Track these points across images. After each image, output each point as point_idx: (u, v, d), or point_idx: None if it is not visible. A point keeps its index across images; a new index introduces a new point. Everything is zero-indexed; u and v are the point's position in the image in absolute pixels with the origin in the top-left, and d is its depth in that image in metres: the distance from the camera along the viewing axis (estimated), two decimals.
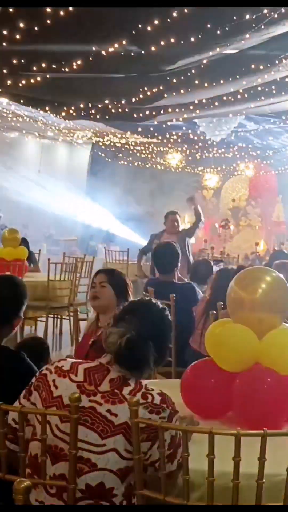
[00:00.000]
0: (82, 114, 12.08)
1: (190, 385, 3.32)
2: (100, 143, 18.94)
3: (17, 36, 7.88)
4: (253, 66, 9.87)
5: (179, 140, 17.09)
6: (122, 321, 2.69)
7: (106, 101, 11.14)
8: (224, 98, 11.35)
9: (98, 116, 12.36)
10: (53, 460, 2.53)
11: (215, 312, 4.93)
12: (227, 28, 8.08)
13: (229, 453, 2.35)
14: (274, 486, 2.47)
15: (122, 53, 8.74)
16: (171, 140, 17.14)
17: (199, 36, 8.29)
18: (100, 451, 2.49)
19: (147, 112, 12.04)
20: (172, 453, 2.51)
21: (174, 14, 7.44)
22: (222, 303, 4.82)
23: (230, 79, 10.33)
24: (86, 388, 2.56)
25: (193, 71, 9.74)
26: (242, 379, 3.24)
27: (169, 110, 11.94)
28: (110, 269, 4.61)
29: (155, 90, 10.39)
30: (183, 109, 12.04)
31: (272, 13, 7.97)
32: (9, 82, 9.98)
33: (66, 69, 9.10)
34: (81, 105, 11.42)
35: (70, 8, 6.94)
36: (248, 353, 3.30)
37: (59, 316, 9.81)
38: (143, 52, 8.73)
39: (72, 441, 2.45)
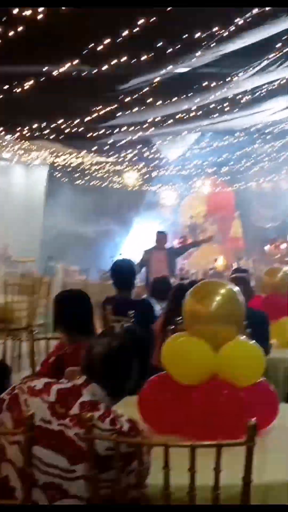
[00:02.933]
0: (37, 134, 12.06)
1: (147, 400, 3.31)
2: (56, 164, 18.90)
3: None
4: (205, 83, 9.98)
5: (135, 159, 17.14)
6: (105, 335, 2.66)
7: (60, 121, 11.14)
8: (178, 116, 11.44)
9: (52, 136, 12.35)
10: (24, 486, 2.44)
11: (172, 327, 4.92)
12: (178, 46, 8.16)
13: (187, 466, 2.34)
14: (232, 497, 2.46)
15: (74, 73, 8.76)
16: (127, 159, 17.19)
17: (150, 55, 8.36)
18: (71, 477, 2.43)
19: (102, 131, 12.07)
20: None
21: (125, 33, 7.49)
22: (179, 318, 4.82)
23: (183, 97, 10.43)
24: (56, 410, 2.49)
25: (146, 89, 9.81)
26: (199, 392, 3.23)
27: (124, 129, 11.99)
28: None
29: (108, 109, 10.43)
30: (137, 128, 12.10)
31: (223, 31, 8.08)
32: None
33: (19, 90, 9.08)
34: (35, 126, 11.40)
35: (20, 28, 6.93)
36: (204, 366, 3.31)
37: (18, 339, 9.69)
38: (95, 71, 8.76)
39: (26, 459, 2.41)
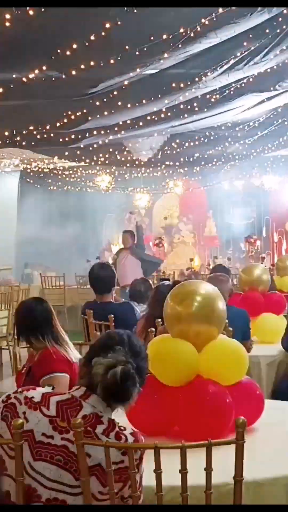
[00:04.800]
0: (8, 141, 12.00)
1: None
2: (28, 170, 18.85)
3: None
4: (173, 84, 10.02)
5: (106, 162, 17.13)
6: (105, 351, 2.47)
7: (31, 127, 11.10)
8: (148, 117, 11.46)
9: (23, 143, 12.30)
10: (25, 500, 2.40)
11: (153, 329, 4.93)
12: (145, 49, 8.18)
13: (177, 467, 2.34)
14: (224, 496, 2.48)
15: (43, 79, 8.74)
16: (99, 163, 17.19)
17: (118, 58, 8.38)
18: (75, 493, 2.39)
19: (73, 136, 12.05)
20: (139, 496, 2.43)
21: (92, 38, 7.50)
22: (160, 320, 4.83)
23: (152, 98, 10.46)
24: (58, 425, 2.43)
25: (115, 92, 9.82)
26: (184, 393, 3.25)
27: (94, 132, 11.99)
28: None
29: (78, 113, 10.42)
30: (108, 131, 12.10)
31: (188, 32, 8.12)
32: None
33: None
34: (6, 133, 11.35)
35: None
36: (188, 366, 3.32)
37: None
38: (63, 76, 8.75)
39: (17, 468, 2.39)
